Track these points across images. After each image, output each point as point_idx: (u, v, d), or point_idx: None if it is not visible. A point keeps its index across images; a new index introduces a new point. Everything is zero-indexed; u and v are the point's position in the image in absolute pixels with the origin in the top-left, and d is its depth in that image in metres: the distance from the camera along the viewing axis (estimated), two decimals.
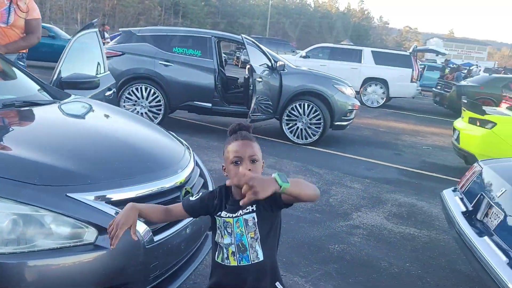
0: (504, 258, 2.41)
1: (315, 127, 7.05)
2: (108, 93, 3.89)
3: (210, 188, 2.48)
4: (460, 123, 6.29)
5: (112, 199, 1.82)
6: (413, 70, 12.75)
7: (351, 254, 3.51)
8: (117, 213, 1.73)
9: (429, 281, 3.23)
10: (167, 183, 2.06)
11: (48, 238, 1.65)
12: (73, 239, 1.68)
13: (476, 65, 26.79)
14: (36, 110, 2.47)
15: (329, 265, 3.30)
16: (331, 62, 13.20)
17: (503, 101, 9.45)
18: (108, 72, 4.15)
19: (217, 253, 1.53)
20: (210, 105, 7.04)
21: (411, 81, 12.78)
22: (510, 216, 2.62)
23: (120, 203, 1.79)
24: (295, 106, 7.08)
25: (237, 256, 1.47)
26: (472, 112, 5.97)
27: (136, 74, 6.91)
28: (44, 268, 1.62)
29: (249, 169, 1.39)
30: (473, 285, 3.27)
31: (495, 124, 5.61)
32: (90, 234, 1.70)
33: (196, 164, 2.53)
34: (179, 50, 7.06)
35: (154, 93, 6.93)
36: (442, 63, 18.44)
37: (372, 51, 13.28)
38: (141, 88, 6.96)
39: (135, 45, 7.05)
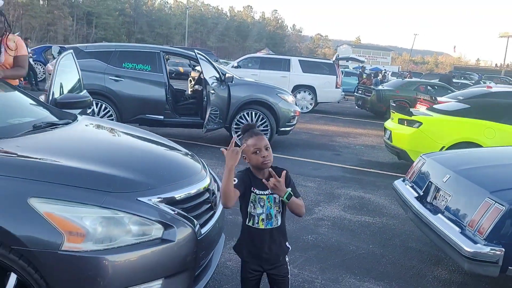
0: (457, 228, 3.06)
1: None
2: (89, 111, 4.09)
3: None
4: (391, 124, 7.18)
5: (168, 200, 2.17)
6: (337, 77, 13.84)
7: (324, 242, 4.05)
8: (175, 212, 2.12)
9: (390, 258, 3.85)
10: (201, 186, 2.44)
11: (128, 235, 1.97)
12: (146, 235, 2.02)
13: (385, 69, 29.04)
14: (69, 129, 2.71)
15: (308, 252, 3.81)
16: (261, 71, 13.87)
17: (418, 102, 10.66)
18: (85, 90, 4.33)
19: (247, 219, 2.14)
20: (162, 117, 7.28)
21: (336, 87, 13.85)
22: (456, 196, 3.31)
23: (174, 203, 2.20)
24: (243, 114, 7.57)
25: (265, 222, 2.13)
26: (401, 114, 6.86)
27: (87, 90, 6.95)
28: (126, 260, 1.94)
29: (266, 155, 2.08)
30: (424, 258, 3.94)
31: (421, 123, 6.53)
32: (157, 230, 2.04)
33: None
34: (129, 65, 7.23)
35: (106, 107, 7.02)
36: (357, 69, 20.07)
37: (299, 60, 14.19)
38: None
39: (83, 61, 7.08)
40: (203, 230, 2.25)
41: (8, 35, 3.77)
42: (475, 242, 2.85)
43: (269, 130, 7.57)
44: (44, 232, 1.86)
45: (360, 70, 18.20)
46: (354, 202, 5.31)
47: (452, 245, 2.98)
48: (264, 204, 2.12)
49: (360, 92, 14.64)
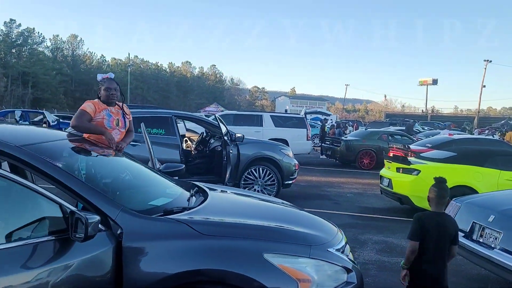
0: None
1: (270, 188, 8.07)
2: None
3: None
4: (389, 172, 7.96)
5: (340, 251, 2.63)
6: (307, 129, 14.75)
7: (381, 283, 4.54)
8: (349, 259, 2.58)
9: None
10: (343, 240, 2.91)
11: (330, 280, 2.40)
12: (339, 280, 2.44)
13: (331, 119, 30.62)
14: (219, 197, 3.11)
15: None
16: (236, 127, 14.46)
17: (390, 150, 11.68)
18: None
19: None
20: (176, 177, 7.54)
21: (307, 139, 14.73)
22: (508, 232, 3.97)
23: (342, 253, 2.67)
24: (251, 170, 8.04)
25: None
26: (399, 163, 7.66)
27: None
28: None
29: None
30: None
31: (420, 171, 7.35)
32: (344, 275, 2.49)
33: None
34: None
35: None
36: (314, 121, 21.43)
37: (270, 116, 15.02)
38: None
39: None
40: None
41: (123, 103, 4.22)
42: None
43: (276, 184, 8.07)
44: (282, 281, 2.27)
45: (322, 122, 19.43)
46: (383, 246, 5.86)
47: None
48: None
49: (328, 143, 15.63)
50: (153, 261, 2.26)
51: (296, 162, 8.74)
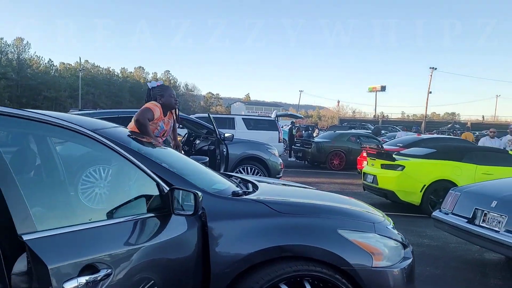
0: None
1: None
2: None
3: None
4: (373, 169, 8.28)
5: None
6: (279, 132, 14.99)
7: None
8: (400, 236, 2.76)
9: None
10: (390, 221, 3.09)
11: (395, 255, 2.57)
12: (400, 255, 2.61)
13: (294, 123, 31.06)
14: (272, 185, 3.22)
15: None
16: None
17: (363, 151, 12.13)
18: None
19: None
20: None
21: (279, 142, 14.96)
22: (511, 215, 4.30)
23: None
24: (239, 170, 8.11)
25: None
26: (384, 160, 8.00)
27: None
28: (399, 273, 2.53)
29: None
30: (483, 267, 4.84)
31: (404, 166, 7.72)
32: (402, 250, 2.66)
33: None
34: None
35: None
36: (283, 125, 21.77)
37: (242, 118, 15.13)
38: (98, 169, 7.01)
39: None
40: None
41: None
42: None
43: None
44: (359, 255, 2.40)
45: (291, 125, 19.77)
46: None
47: None
48: None
49: (298, 145, 15.94)
50: (237, 240, 2.32)
51: (282, 161, 8.91)
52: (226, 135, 7.88)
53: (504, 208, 4.42)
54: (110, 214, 1.97)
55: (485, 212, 4.60)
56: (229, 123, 14.92)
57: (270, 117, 15.86)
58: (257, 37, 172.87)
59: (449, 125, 43.70)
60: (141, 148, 2.58)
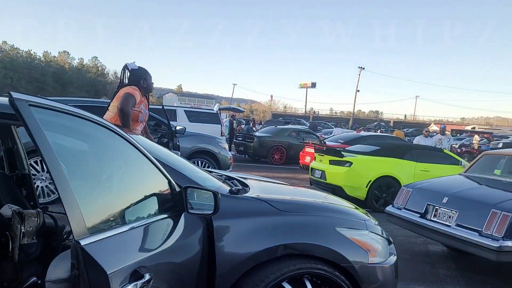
0: (475, 233, 4.36)
1: None
2: None
3: None
4: (321, 165, 8.53)
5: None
6: (221, 125, 14.90)
7: None
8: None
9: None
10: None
11: (385, 251, 2.69)
12: (388, 250, 2.75)
13: (234, 117, 31.07)
14: (259, 180, 3.21)
15: None
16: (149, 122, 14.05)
17: (306, 146, 12.46)
18: None
19: None
20: None
21: (221, 135, 14.87)
22: (462, 211, 4.64)
23: None
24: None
25: None
26: (333, 156, 8.27)
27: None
28: (390, 269, 2.65)
29: None
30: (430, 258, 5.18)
31: (352, 163, 8.04)
32: (388, 246, 2.78)
33: None
34: None
35: None
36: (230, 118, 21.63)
37: (184, 110, 14.82)
38: (40, 161, 6.58)
39: None
40: None
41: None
42: (497, 240, 4.17)
43: None
44: (357, 252, 2.47)
45: (231, 118, 19.71)
46: None
47: (479, 245, 4.25)
48: None
49: (240, 139, 15.98)
50: (242, 239, 2.30)
51: (231, 155, 8.89)
52: (178, 128, 7.72)
53: (455, 204, 4.76)
54: (132, 218, 1.86)
55: (436, 207, 4.93)
56: (171, 114, 14.57)
57: (213, 110, 15.74)
58: (190, 27, 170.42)
59: (375, 123, 46.11)
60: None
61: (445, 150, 9.10)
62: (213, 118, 15.02)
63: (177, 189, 2.10)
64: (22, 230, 2.29)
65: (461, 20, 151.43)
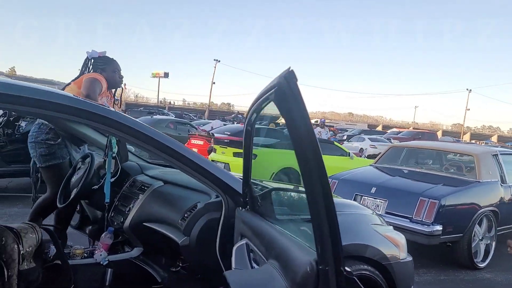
0: (407, 219, 4.74)
1: None
2: None
3: None
4: (224, 157, 8.38)
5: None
6: None
7: None
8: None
9: None
10: None
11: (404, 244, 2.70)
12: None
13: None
14: None
15: None
16: None
17: (191, 138, 12.12)
18: None
19: None
20: None
21: None
22: (392, 200, 4.99)
23: None
24: None
25: None
26: (236, 148, 8.18)
27: None
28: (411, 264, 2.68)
29: None
30: None
31: (256, 155, 8.04)
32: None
33: None
34: None
35: None
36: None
37: None
38: None
39: None
40: None
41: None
42: (428, 225, 4.60)
43: None
44: (391, 249, 2.44)
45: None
46: None
47: (411, 231, 4.62)
48: None
49: None
50: None
51: None
52: None
53: (384, 193, 5.11)
54: None
55: (364, 197, 5.23)
56: None
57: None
58: (27, 7, 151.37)
59: (233, 115, 47.39)
60: None
61: (335, 143, 9.77)
62: None
63: None
64: (22, 252, 1.72)
65: (311, 13, 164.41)
